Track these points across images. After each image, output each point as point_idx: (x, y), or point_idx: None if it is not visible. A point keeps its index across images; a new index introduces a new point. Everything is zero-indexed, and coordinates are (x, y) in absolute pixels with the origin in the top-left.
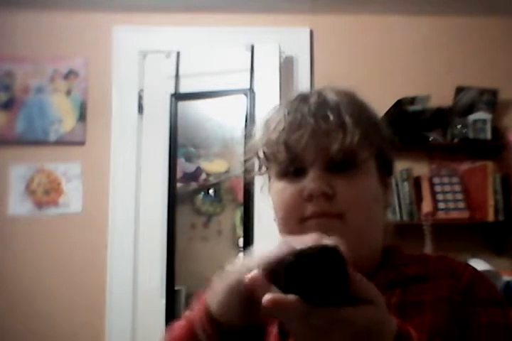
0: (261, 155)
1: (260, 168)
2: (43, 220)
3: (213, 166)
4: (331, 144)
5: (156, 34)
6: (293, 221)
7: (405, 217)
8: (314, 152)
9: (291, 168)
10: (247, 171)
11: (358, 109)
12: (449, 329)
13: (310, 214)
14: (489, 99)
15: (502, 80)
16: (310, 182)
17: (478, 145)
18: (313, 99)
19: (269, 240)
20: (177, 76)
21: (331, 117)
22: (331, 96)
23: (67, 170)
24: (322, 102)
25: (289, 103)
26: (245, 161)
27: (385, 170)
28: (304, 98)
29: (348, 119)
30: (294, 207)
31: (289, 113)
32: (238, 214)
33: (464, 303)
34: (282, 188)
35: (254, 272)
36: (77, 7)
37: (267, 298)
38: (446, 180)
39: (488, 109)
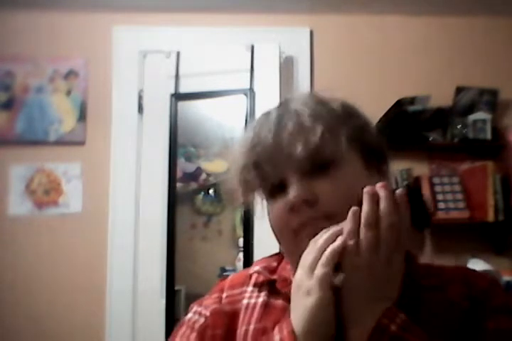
0: (240, 185)
1: (246, 196)
2: (43, 220)
3: (213, 166)
4: (296, 148)
5: (156, 34)
6: (288, 236)
7: None
8: (284, 163)
9: (275, 185)
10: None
11: (315, 106)
12: (455, 336)
13: (297, 226)
14: (489, 99)
15: (502, 80)
16: (290, 193)
17: (478, 145)
18: (273, 114)
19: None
20: (177, 76)
21: (289, 124)
22: (292, 105)
23: (67, 170)
24: (281, 114)
25: (253, 126)
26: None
27: (375, 158)
28: (266, 114)
29: (305, 119)
30: (283, 223)
31: (251, 136)
32: (238, 214)
33: (474, 310)
34: (272, 208)
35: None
36: (77, 7)
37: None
38: (446, 180)
39: (488, 109)
